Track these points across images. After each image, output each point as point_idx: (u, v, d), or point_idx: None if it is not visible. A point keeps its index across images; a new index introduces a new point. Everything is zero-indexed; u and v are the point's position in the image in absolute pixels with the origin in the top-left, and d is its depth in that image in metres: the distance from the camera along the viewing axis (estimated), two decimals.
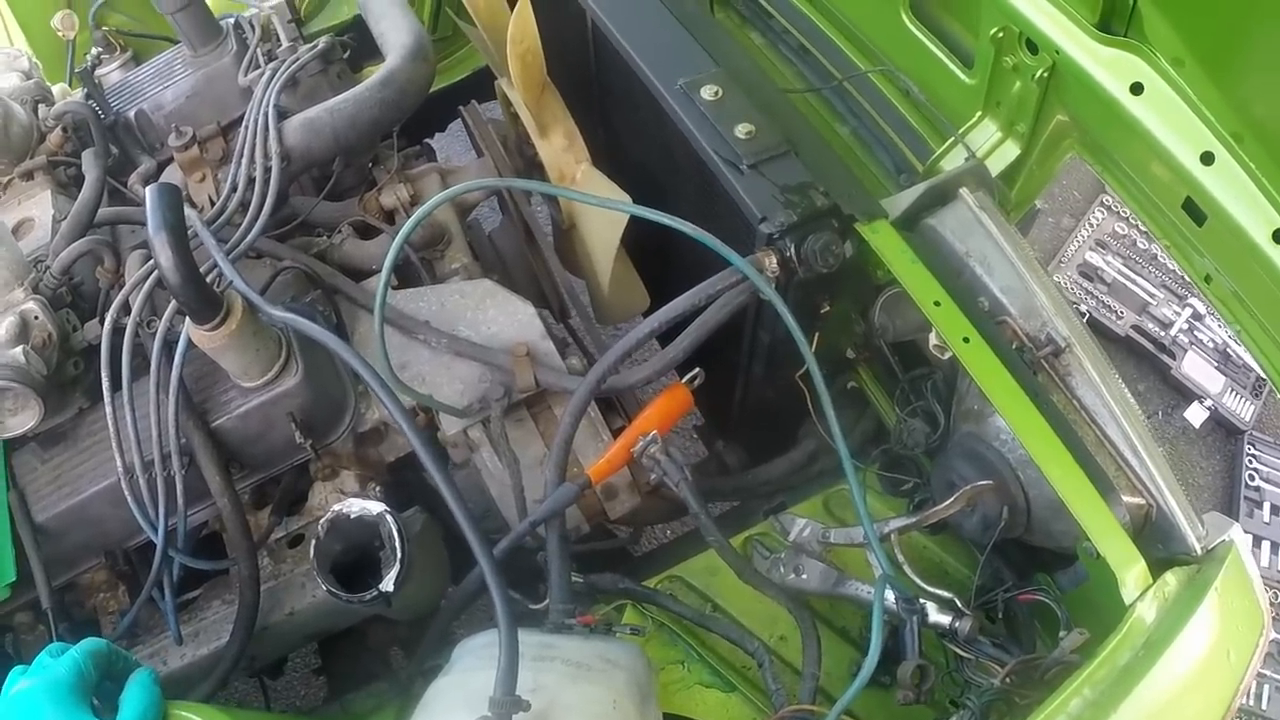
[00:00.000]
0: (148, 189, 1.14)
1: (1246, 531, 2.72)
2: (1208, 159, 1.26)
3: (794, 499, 1.50)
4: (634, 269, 1.57)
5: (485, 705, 0.98)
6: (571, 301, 1.53)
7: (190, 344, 1.26)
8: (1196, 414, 3.11)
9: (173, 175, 1.57)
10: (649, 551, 1.49)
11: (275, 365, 1.30)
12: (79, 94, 1.78)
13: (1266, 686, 2.64)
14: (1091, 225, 3.43)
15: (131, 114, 1.61)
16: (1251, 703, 2.62)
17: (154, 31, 2.02)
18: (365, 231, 1.53)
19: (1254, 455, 3.06)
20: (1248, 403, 3.14)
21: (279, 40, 1.67)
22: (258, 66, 1.61)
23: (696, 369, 1.33)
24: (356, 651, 1.55)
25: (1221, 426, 3.15)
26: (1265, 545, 2.88)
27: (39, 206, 1.52)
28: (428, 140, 1.93)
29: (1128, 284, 3.31)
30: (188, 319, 1.23)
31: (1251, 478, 3.01)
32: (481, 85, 1.86)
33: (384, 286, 1.27)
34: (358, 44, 1.73)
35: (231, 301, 1.22)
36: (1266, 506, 2.96)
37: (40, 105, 1.72)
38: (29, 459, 1.41)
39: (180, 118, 1.61)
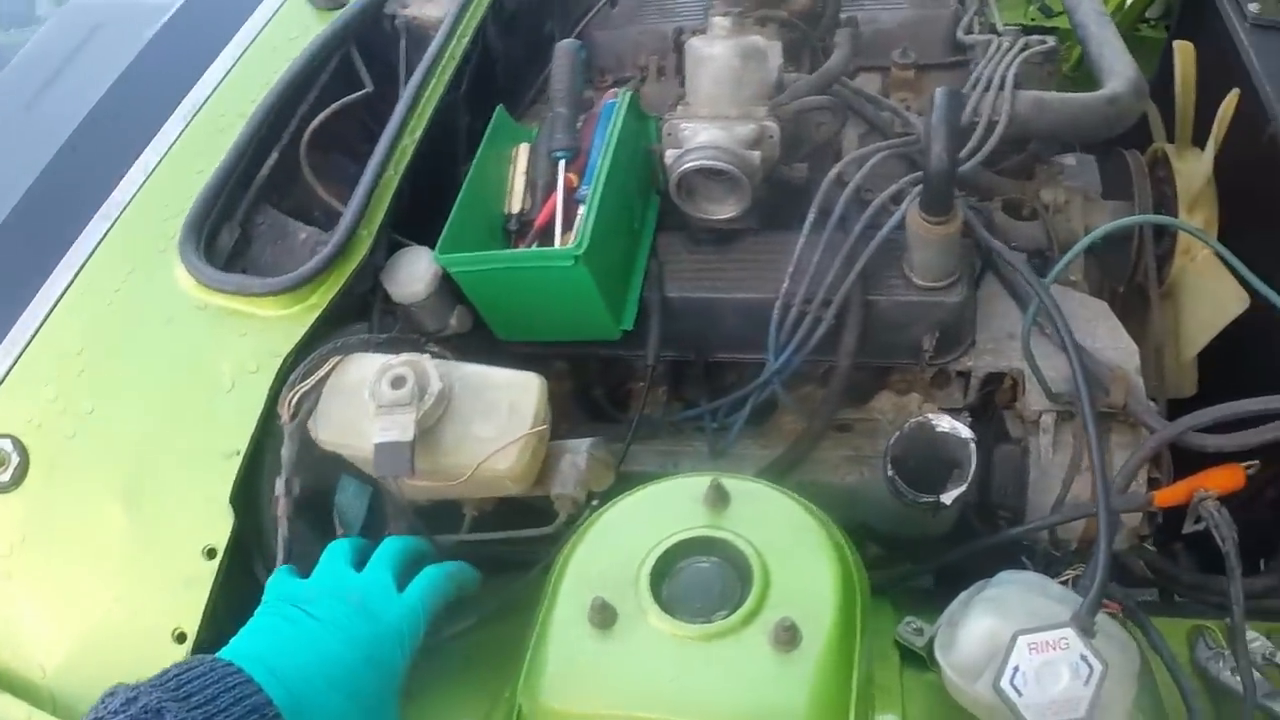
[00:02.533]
0: (942, 91, 1.32)
1: None
2: None
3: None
4: None
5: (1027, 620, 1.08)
6: None
7: (899, 224, 1.44)
8: None
9: (868, 84, 1.76)
10: None
11: (949, 278, 1.46)
12: None
13: None
14: None
15: (842, 16, 1.79)
16: None
17: None
18: (1013, 211, 1.69)
19: None
20: None
21: (991, 17, 1.85)
22: (971, 31, 1.79)
23: (1255, 460, 1.44)
24: None
25: None
26: None
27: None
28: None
29: None
30: (914, 205, 1.41)
31: None
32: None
33: (1065, 263, 1.44)
34: None
35: (956, 209, 1.40)
36: None
37: None
38: (675, 243, 1.61)
39: (886, 39, 1.80)
